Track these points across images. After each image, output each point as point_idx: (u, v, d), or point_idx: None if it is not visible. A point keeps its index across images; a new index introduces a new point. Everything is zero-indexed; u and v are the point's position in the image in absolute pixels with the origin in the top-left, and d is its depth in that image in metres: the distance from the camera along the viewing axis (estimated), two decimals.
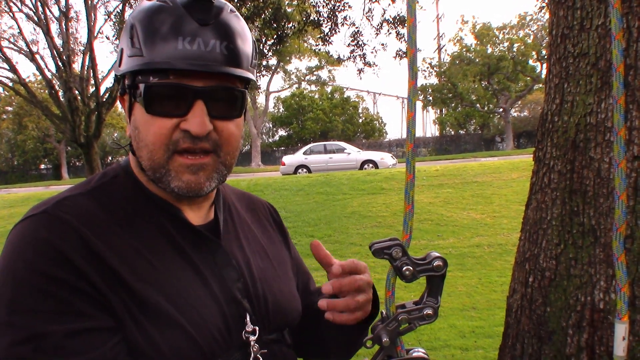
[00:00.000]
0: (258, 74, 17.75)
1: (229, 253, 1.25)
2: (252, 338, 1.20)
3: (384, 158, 26.65)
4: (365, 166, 25.90)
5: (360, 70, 14.12)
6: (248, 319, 1.21)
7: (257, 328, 1.22)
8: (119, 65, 1.15)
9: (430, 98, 43.40)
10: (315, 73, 50.37)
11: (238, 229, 1.35)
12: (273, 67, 43.27)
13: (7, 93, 38.70)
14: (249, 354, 1.19)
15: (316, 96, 52.98)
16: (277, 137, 58.56)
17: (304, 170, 26.55)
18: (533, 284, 1.50)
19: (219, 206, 1.31)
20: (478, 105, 43.84)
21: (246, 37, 1.17)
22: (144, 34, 1.10)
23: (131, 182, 1.21)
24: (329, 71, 50.72)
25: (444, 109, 47.84)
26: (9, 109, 45.33)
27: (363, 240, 11.14)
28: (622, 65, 1.18)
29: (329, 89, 52.63)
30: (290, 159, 28.18)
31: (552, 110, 1.51)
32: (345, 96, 53.15)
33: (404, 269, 1.06)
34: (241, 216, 1.39)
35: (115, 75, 1.20)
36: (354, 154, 27.28)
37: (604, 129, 1.37)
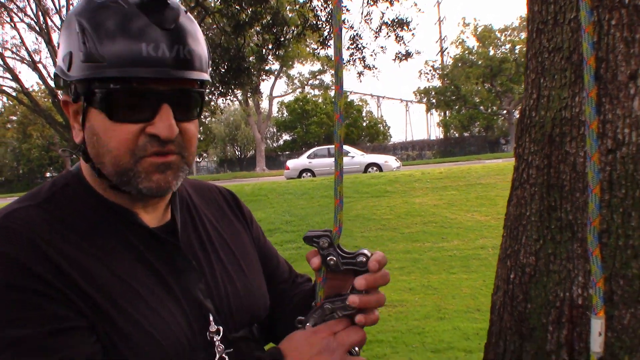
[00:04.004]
0: (260, 78, 17.76)
1: (188, 254, 1.24)
2: (217, 338, 1.20)
3: (388, 161, 26.59)
4: (369, 169, 25.84)
5: (360, 74, 14.13)
6: (211, 319, 1.20)
7: (220, 328, 1.21)
8: (68, 70, 1.09)
9: (434, 101, 43.34)
10: (318, 77, 50.47)
11: (198, 226, 1.33)
12: (276, 72, 43.32)
13: (10, 103, 38.83)
14: (214, 354, 1.19)
15: (320, 100, 52.96)
16: (281, 142, 58.59)
17: (308, 174, 26.54)
18: (514, 281, 1.50)
19: (175, 206, 1.29)
20: (482, 107, 43.73)
21: (201, 39, 1.17)
22: (101, 39, 1.06)
23: (83, 189, 1.19)
24: (332, 75, 50.64)
25: (447, 112, 47.74)
26: (13, 118, 45.49)
27: (367, 244, 11.11)
28: (592, 58, 1.17)
29: (332, 93, 52.56)
30: (295, 163, 28.17)
31: (529, 106, 1.51)
32: (348, 100, 53.11)
33: (329, 258, 1.12)
34: (200, 211, 1.37)
35: (60, 80, 1.15)
36: (357, 157, 27.22)
37: (579, 123, 1.36)
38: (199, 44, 1.15)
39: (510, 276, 1.51)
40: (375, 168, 25.97)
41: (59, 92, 1.19)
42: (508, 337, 1.49)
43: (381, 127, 55.48)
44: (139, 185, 1.12)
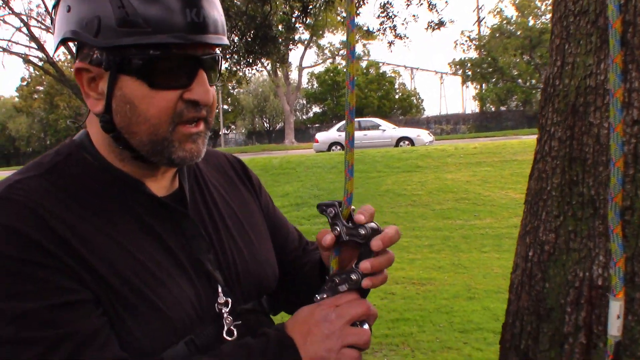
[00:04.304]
0: (288, 48, 17.68)
1: (197, 223, 1.24)
2: (225, 310, 1.20)
3: (421, 135, 26.45)
4: (401, 143, 25.77)
5: (390, 43, 13.96)
6: (220, 290, 1.21)
7: (229, 300, 1.21)
8: (95, 36, 1.07)
9: (470, 73, 42.74)
10: None
11: (206, 194, 1.33)
12: (305, 42, 43.10)
13: (37, 73, 39.40)
14: (222, 326, 1.20)
15: None
16: (311, 114, 58.57)
17: (338, 147, 26.52)
18: (532, 259, 1.46)
19: (182, 174, 1.29)
20: (520, 80, 43.02)
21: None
22: (142, 4, 1.05)
23: (87, 159, 1.18)
24: (364, 45, 50.30)
25: (483, 85, 47.06)
26: (40, 88, 46.20)
27: (397, 220, 11.11)
28: (618, 22, 1.12)
29: (364, 64, 52.17)
30: (324, 136, 28.20)
31: (553, 74, 1.46)
32: (381, 71, 52.69)
33: (334, 227, 1.17)
34: (207, 180, 1.37)
35: (83, 45, 1.13)
36: (389, 130, 27.15)
37: (603, 92, 1.31)
38: (220, 8, 1.16)
39: (529, 254, 1.47)
40: (407, 142, 25.87)
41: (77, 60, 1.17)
42: (525, 318, 1.46)
43: (414, 100, 55.02)
44: (172, 155, 1.13)
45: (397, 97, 53.45)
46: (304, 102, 58.02)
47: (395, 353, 5.37)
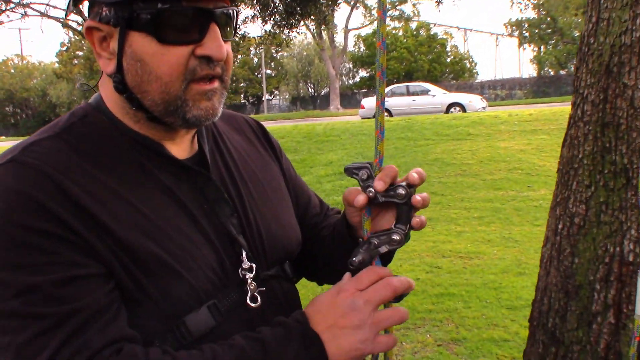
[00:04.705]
0: (330, 9, 17.53)
1: (220, 186, 1.24)
2: (249, 275, 1.20)
3: (472, 101, 26.07)
4: (452, 109, 25.47)
5: (438, 2, 13.72)
6: (244, 255, 1.21)
7: (253, 265, 1.21)
8: None
9: (527, 34, 41.80)
10: (398, 7, 49.28)
11: (226, 157, 1.33)
12: (351, 2, 42.65)
13: (76, 37, 40.03)
14: (246, 292, 1.19)
15: (400, 33, 51.98)
16: (357, 79, 58.23)
17: (385, 113, 26.35)
18: (562, 232, 1.42)
19: (202, 135, 1.28)
20: None
21: None
22: None
23: (104, 120, 1.18)
24: (414, 5, 49.60)
25: (542, 47, 45.99)
26: (80, 53, 46.96)
27: (445, 190, 11.01)
28: None
29: (413, 25, 51.47)
30: (371, 102, 27.99)
31: (588, 31, 1.39)
32: (432, 33, 51.92)
33: (368, 190, 1.16)
34: (228, 142, 1.37)
35: (95, 4, 1.13)
36: (439, 96, 26.84)
37: (639, 50, 1.25)
38: None
39: (558, 226, 1.43)
40: (458, 108, 25.56)
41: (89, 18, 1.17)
42: (553, 295, 1.42)
43: (467, 64, 54.17)
44: (186, 115, 1.12)
45: (448, 60, 52.74)
46: (350, 66, 57.71)
47: (439, 329, 5.34)
